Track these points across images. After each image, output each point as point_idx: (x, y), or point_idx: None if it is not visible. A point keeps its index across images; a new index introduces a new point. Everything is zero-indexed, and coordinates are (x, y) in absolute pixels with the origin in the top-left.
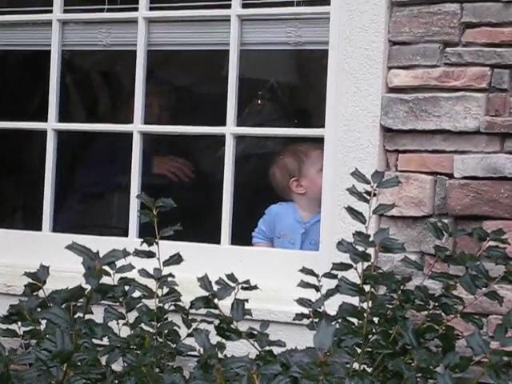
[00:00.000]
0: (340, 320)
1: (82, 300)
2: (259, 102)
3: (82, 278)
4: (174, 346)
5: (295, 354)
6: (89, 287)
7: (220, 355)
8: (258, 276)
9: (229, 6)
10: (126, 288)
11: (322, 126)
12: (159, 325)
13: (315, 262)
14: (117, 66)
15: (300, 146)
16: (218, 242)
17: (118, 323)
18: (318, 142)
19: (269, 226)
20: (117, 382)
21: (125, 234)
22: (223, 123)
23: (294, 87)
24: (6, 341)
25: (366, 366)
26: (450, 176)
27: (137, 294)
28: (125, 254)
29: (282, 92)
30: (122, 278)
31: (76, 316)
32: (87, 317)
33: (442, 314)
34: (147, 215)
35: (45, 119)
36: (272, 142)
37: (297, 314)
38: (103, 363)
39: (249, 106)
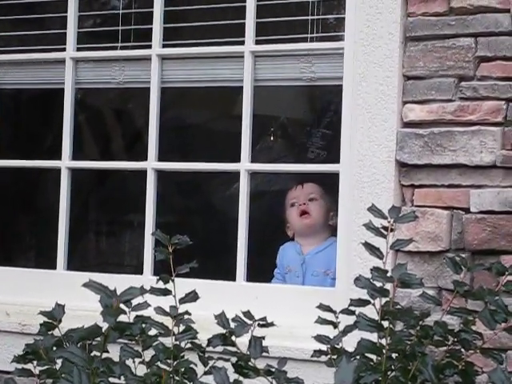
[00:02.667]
0: (358, 356)
1: (97, 339)
2: (271, 138)
3: (96, 317)
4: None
5: None
6: (105, 325)
7: None
8: (274, 313)
9: (242, 43)
10: (143, 326)
11: (337, 162)
12: (176, 363)
13: (332, 298)
14: (130, 104)
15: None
16: (234, 279)
17: (134, 361)
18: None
19: (280, 265)
20: None
21: (138, 271)
22: (236, 160)
23: (307, 124)
24: (21, 380)
25: None
26: (467, 210)
27: (153, 331)
28: (142, 291)
29: (295, 128)
30: (137, 316)
31: (92, 355)
32: (104, 355)
33: (462, 349)
34: (163, 253)
35: (58, 157)
36: (285, 178)
37: (315, 351)
38: None
39: (261, 143)
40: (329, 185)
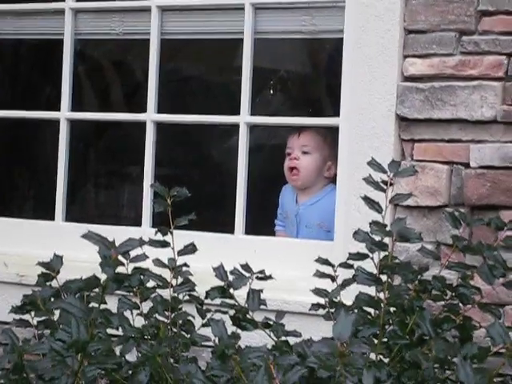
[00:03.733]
0: (356, 310)
1: (95, 290)
2: (271, 91)
3: (94, 268)
4: (189, 336)
5: (313, 344)
6: (104, 276)
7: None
8: (273, 266)
9: None
10: (142, 277)
11: (337, 115)
12: (174, 315)
13: (330, 251)
14: (129, 55)
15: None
16: (232, 232)
17: (132, 313)
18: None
19: (281, 206)
20: (131, 372)
21: (137, 223)
22: (236, 113)
23: (307, 76)
24: (19, 331)
25: (382, 357)
26: (466, 165)
27: (151, 283)
28: (141, 243)
29: (294, 81)
30: (135, 268)
31: (90, 306)
32: (102, 307)
33: (460, 304)
34: (161, 205)
35: (57, 109)
36: (284, 131)
37: (313, 304)
38: (117, 353)
39: (260, 96)
40: (328, 134)
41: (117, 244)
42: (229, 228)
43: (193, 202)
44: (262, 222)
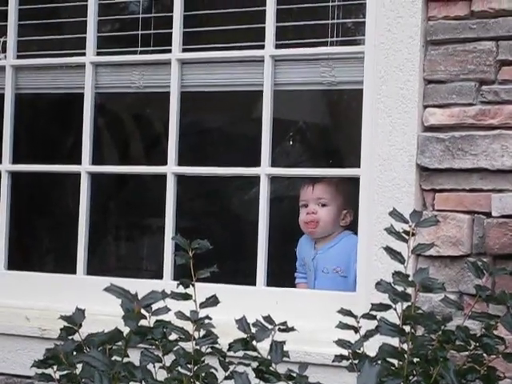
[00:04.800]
0: (380, 361)
1: (118, 343)
2: (291, 142)
3: (116, 321)
4: None
5: None
6: (126, 330)
7: None
8: (294, 317)
9: (262, 47)
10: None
11: (357, 166)
12: (196, 368)
13: (352, 302)
14: (150, 108)
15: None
16: (254, 284)
17: (154, 366)
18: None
19: (299, 256)
20: None
21: (158, 276)
22: (255, 164)
23: (327, 127)
24: None
25: None
26: (488, 215)
27: (173, 336)
28: (163, 296)
29: (313, 132)
30: (157, 321)
31: (113, 359)
32: (125, 360)
33: (484, 354)
34: (183, 257)
35: (78, 162)
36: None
37: (336, 356)
38: None
39: (280, 147)
40: (342, 183)
41: (139, 297)
42: (250, 280)
43: (214, 253)
44: (283, 273)
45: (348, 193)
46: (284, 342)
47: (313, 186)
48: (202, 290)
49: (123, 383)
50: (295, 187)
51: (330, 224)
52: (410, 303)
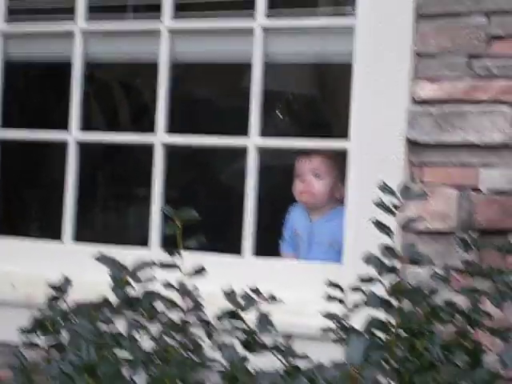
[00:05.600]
0: (366, 334)
1: (105, 312)
2: (280, 114)
3: (103, 290)
4: (198, 358)
5: (324, 368)
6: (113, 298)
7: None
8: (281, 288)
9: (253, 17)
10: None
11: (346, 137)
12: (183, 337)
13: (339, 273)
14: (139, 78)
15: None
16: (241, 254)
17: (140, 336)
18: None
19: (289, 228)
20: None
21: (144, 245)
22: (245, 135)
23: (316, 99)
24: (28, 352)
25: (392, 382)
26: (476, 190)
27: (160, 306)
28: (151, 265)
29: (302, 104)
30: (145, 291)
31: (99, 328)
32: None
33: (470, 328)
34: (171, 227)
35: (67, 130)
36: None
37: (322, 328)
38: (126, 376)
39: (269, 118)
40: (338, 156)
41: (127, 266)
42: (238, 250)
43: (202, 224)
44: (270, 244)
45: (344, 168)
46: (270, 314)
47: (309, 157)
48: (190, 259)
49: (109, 352)
50: (284, 158)
51: (324, 196)
52: (397, 276)
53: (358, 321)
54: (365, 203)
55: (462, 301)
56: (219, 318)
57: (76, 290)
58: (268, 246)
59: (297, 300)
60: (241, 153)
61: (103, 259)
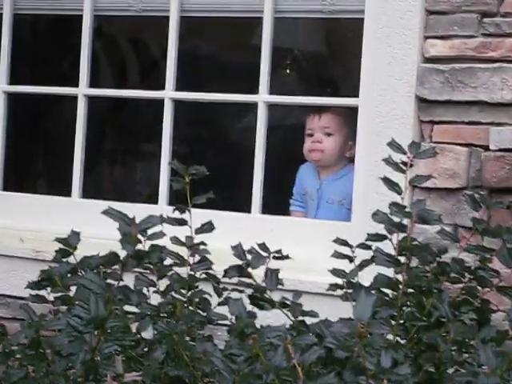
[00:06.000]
0: (374, 291)
1: (113, 267)
2: (289, 71)
3: (111, 245)
4: (205, 314)
5: (332, 324)
6: (122, 253)
7: None
8: (289, 245)
9: None
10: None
11: (356, 95)
12: (190, 293)
13: (347, 232)
14: (148, 33)
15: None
16: (249, 211)
17: (148, 291)
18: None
19: (298, 187)
20: (147, 349)
21: (153, 201)
22: (254, 91)
23: (326, 56)
24: (35, 306)
25: (400, 338)
26: (486, 148)
27: (168, 261)
28: (161, 220)
29: (312, 61)
30: (153, 246)
31: (108, 283)
32: (120, 284)
33: (478, 287)
34: (179, 182)
35: (76, 85)
36: (303, 110)
37: (330, 285)
38: (134, 331)
39: (279, 75)
40: (349, 114)
41: (136, 221)
42: (246, 207)
43: (210, 180)
44: (279, 201)
45: (354, 125)
46: (278, 270)
47: (319, 115)
48: (198, 216)
49: (118, 306)
50: (293, 115)
51: (335, 154)
52: (405, 234)
53: (366, 278)
54: (374, 161)
55: (470, 259)
56: (226, 273)
57: (84, 244)
58: (277, 204)
59: (305, 257)
60: (251, 109)
61: (111, 213)
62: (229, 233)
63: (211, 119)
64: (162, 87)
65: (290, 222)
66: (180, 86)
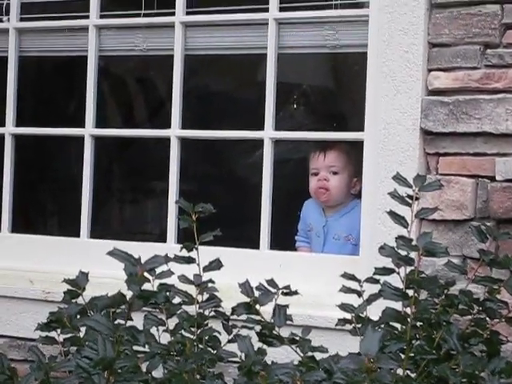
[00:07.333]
0: (383, 325)
1: (121, 307)
2: (295, 106)
3: (120, 285)
4: (215, 352)
5: (340, 360)
6: (129, 293)
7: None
8: (298, 281)
9: (266, 10)
10: (167, 294)
11: (361, 129)
12: (199, 331)
13: (355, 266)
14: (153, 71)
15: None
16: (257, 248)
17: (158, 330)
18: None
19: (303, 221)
20: None
21: (162, 239)
22: (259, 127)
23: (331, 91)
24: (45, 348)
25: (409, 372)
26: (492, 179)
27: (177, 300)
28: (166, 259)
29: (318, 96)
30: (161, 285)
31: (116, 323)
32: (128, 324)
33: (486, 318)
34: (186, 220)
35: (82, 125)
36: (308, 145)
37: (339, 320)
38: (144, 370)
39: (284, 110)
40: (353, 151)
41: (142, 261)
42: (254, 243)
43: (218, 217)
44: (287, 237)
45: (359, 162)
46: (287, 306)
47: (324, 153)
48: (206, 253)
49: (126, 347)
50: (299, 151)
51: (341, 191)
52: (413, 267)
53: (375, 313)
54: (381, 194)
55: (479, 290)
56: (234, 311)
57: (95, 284)
58: (285, 239)
59: (314, 293)
60: (258, 145)
61: (116, 254)
62: (238, 269)
63: (219, 156)
64: (168, 125)
65: (299, 257)
66: (187, 124)
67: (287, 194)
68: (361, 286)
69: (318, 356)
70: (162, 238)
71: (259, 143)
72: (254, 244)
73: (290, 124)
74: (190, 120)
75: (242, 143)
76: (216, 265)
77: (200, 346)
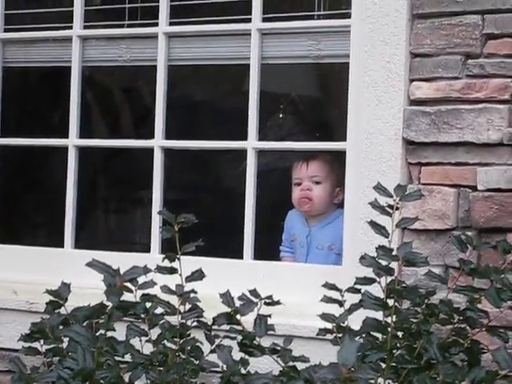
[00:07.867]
0: (364, 335)
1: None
2: (280, 115)
3: (103, 295)
4: (197, 362)
5: (319, 370)
6: (111, 304)
7: (243, 371)
8: (281, 291)
9: (249, 20)
10: (148, 305)
11: (344, 139)
12: (182, 341)
13: (338, 276)
14: (137, 82)
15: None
16: (241, 257)
17: (140, 340)
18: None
19: (287, 233)
20: None
21: (146, 250)
22: (244, 138)
23: (314, 101)
24: (27, 359)
25: (390, 382)
26: (474, 188)
27: (159, 310)
28: (145, 270)
29: (302, 106)
30: (144, 295)
31: (98, 333)
32: (109, 334)
33: (467, 327)
34: (169, 231)
35: (66, 136)
36: (293, 155)
37: (320, 329)
38: (126, 381)
39: (270, 120)
40: (336, 161)
41: (122, 272)
42: (237, 253)
43: (201, 227)
44: (270, 247)
45: (341, 172)
46: (269, 316)
47: (307, 163)
48: (189, 263)
49: (108, 357)
50: (282, 161)
51: (323, 201)
52: (393, 277)
53: (356, 322)
54: (363, 204)
55: (461, 299)
56: (215, 321)
57: (78, 295)
58: (269, 249)
59: (296, 302)
60: (241, 155)
61: (95, 265)
62: (221, 279)
63: (204, 166)
64: (152, 135)
65: (282, 267)
66: (171, 134)
67: (271, 204)
68: (342, 296)
69: (300, 366)
70: (146, 248)
71: (244, 153)
72: (238, 254)
73: (274, 134)
74: (174, 130)
75: (227, 153)
76: (198, 275)
77: (182, 356)
